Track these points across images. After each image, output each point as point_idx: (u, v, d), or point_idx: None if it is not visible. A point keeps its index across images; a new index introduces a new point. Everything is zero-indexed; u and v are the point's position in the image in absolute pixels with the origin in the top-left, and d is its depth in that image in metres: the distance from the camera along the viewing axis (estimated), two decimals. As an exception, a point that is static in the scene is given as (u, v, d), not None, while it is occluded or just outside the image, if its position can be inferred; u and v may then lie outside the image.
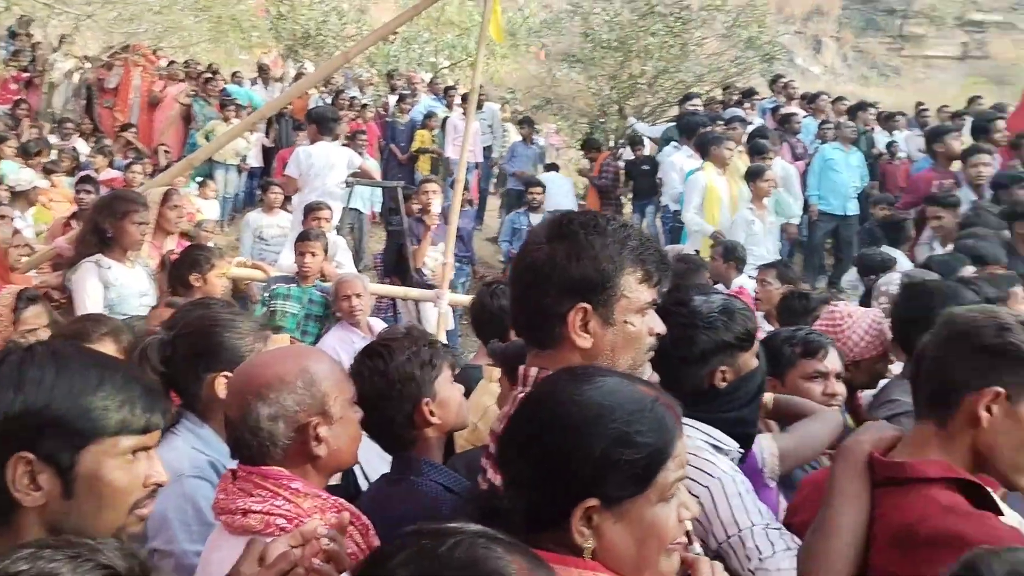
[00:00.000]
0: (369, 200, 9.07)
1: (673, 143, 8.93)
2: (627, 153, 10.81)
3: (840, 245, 8.65)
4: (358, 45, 7.52)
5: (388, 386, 1.91)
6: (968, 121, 8.35)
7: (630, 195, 10.62)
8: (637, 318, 1.47)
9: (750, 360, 1.93)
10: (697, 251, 6.31)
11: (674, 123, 9.63)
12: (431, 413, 1.93)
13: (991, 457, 1.48)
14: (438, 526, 0.93)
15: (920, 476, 1.47)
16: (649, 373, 1.60)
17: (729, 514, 1.72)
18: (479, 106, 9.45)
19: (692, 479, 1.73)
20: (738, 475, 1.79)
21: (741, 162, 7.46)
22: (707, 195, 6.96)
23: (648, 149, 10.45)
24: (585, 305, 1.44)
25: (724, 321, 1.88)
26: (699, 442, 1.81)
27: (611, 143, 12.75)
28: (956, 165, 6.66)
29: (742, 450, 1.91)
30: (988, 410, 1.46)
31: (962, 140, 6.85)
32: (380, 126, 11.51)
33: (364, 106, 11.57)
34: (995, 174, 6.23)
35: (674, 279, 1.60)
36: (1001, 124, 7.05)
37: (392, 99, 12.50)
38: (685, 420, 1.79)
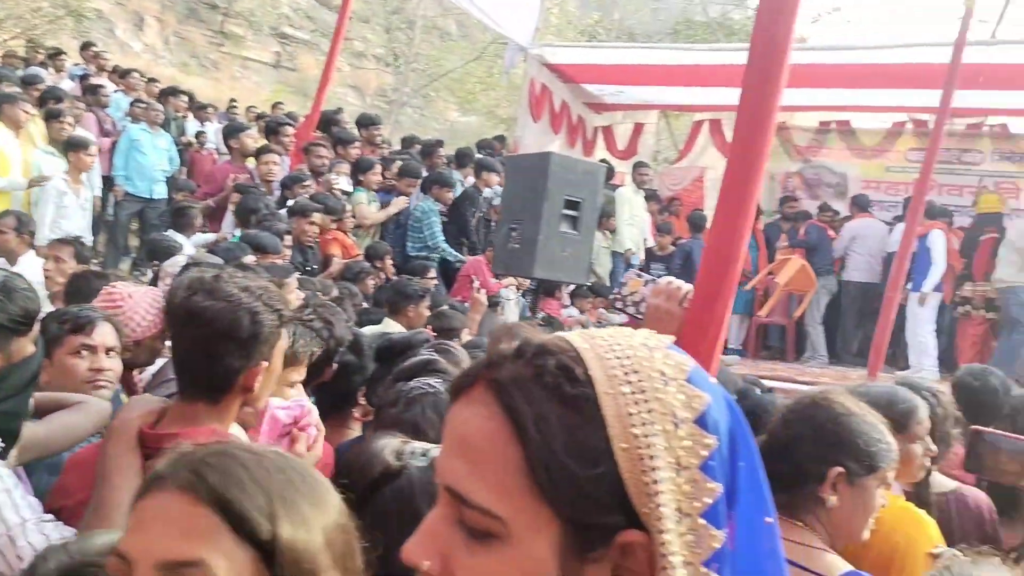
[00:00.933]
0: None
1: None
2: None
3: (145, 227, 8.63)
4: None
5: None
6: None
7: None
8: None
9: (26, 346, 1.81)
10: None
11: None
12: None
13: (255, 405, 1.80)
14: None
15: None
16: None
17: None
18: None
19: None
20: (3, 469, 1.70)
21: (35, 126, 6.87)
22: (-7, 158, 6.24)
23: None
24: None
25: (0, 300, 1.74)
26: None
27: None
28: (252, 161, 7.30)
29: (3, 444, 1.78)
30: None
31: (258, 140, 7.50)
32: None
33: None
34: (285, 176, 7.03)
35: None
36: (290, 130, 7.91)
37: None
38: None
